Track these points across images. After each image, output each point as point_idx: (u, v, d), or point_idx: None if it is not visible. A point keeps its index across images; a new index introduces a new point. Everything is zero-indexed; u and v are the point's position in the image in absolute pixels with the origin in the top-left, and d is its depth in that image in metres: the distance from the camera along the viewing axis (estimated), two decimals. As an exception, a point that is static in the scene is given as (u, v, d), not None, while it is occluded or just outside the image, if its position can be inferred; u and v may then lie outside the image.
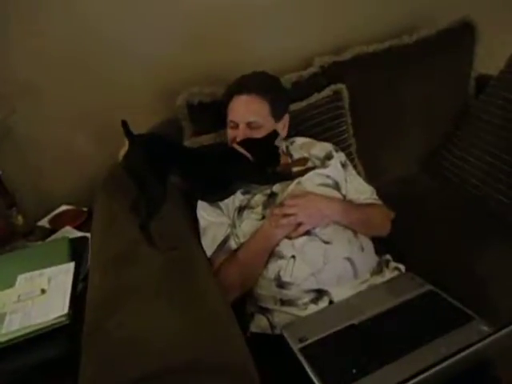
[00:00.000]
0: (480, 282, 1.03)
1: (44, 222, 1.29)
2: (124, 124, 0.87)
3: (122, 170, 1.02)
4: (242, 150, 1.01)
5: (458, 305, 0.85)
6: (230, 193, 1.05)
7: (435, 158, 1.49)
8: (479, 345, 0.50)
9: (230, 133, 1.11)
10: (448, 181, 1.43)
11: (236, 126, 1.08)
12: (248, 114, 1.06)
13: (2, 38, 1.14)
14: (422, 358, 0.69)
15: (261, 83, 1.10)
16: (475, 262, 1.09)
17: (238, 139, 1.06)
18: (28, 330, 0.83)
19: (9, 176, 1.19)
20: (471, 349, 0.49)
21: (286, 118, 1.15)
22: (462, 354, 0.49)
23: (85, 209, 1.34)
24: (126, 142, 0.89)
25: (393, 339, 0.78)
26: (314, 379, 0.72)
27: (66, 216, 1.31)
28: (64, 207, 1.36)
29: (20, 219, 1.18)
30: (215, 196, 1.05)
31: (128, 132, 0.88)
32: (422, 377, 0.47)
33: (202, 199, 1.07)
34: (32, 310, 0.87)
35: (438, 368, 0.47)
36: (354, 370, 0.72)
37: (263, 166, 1.02)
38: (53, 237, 1.20)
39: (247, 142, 1.03)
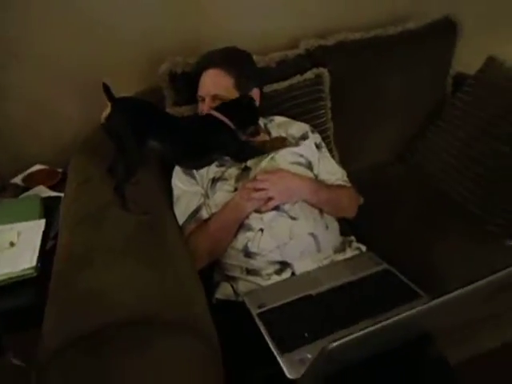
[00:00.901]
0: (435, 266, 1.10)
1: (17, 180, 1.28)
2: (105, 86, 0.88)
3: (102, 133, 1.04)
4: (219, 115, 1.03)
5: (410, 284, 0.91)
6: (208, 162, 1.07)
7: (408, 149, 1.55)
8: (413, 310, 0.55)
9: (200, 106, 1.14)
10: (418, 171, 1.50)
11: (203, 100, 1.11)
12: (212, 88, 1.10)
13: None
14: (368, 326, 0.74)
15: (226, 57, 1.13)
16: (433, 248, 1.16)
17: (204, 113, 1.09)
18: (-5, 279, 0.85)
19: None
20: (405, 313, 0.54)
21: (256, 92, 1.16)
22: (398, 316, 0.54)
23: (59, 170, 1.34)
24: (109, 105, 0.90)
25: (345, 310, 0.84)
26: (269, 342, 0.77)
27: (40, 175, 1.31)
28: (38, 166, 1.35)
29: (-7, 174, 1.17)
30: (192, 163, 1.07)
31: (110, 94, 0.89)
32: (358, 334, 0.52)
33: (179, 165, 1.09)
34: (0, 261, 0.88)
35: (373, 328, 0.52)
36: (307, 334, 0.77)
37: (244, 124, 1.05)
38: (25, 194, 1.20)
39: (224, 107, 1.05)
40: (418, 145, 1.54)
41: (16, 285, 0.86)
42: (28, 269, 0.87)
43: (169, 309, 0.72)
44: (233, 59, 1.14)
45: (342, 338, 0.50)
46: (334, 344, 0.50)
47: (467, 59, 1.51)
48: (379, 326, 0.52)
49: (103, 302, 0.71)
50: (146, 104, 0.98)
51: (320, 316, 0.83)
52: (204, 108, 1.11)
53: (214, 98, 1.10)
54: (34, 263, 0.88)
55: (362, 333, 0.51)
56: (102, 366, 0.68)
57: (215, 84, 1.10)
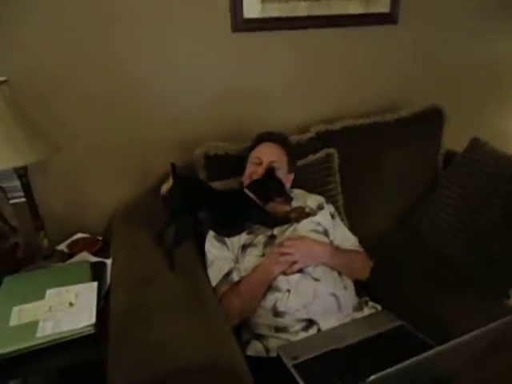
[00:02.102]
0: (442, 321, 1.21)
1: (63, 247, 1.42)
2: (173, 165, 1.07)
3: (142, 205, 1.21)
4: (250, 194, 1.21)
5: (423, 337, 1.03)
6: (241, 230, 1.23)
7: (408, 218, 1.73)
8: (425, 354, 0.68)
9: (251, 168, 1.32)
10: (418, 238, 1.66)
11: (260, 163, 1.30)
12: (272, 155, 1.31)
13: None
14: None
15: (284, 138, 1.39)
16: (440, 306, 1.27)
17: (254, 176, 1.27)
18: (59, 336, 0.96)
19: (39, 202, 1.35)
20: (417, 357, 0.67)
21: (293, 174, 1.39)
22: (426, 354, 0.67)
23: (99, 237, 1.49)
24: (170, 180, 1.08)
25: (369, 362, 0.94)
26: (306, 390, 0.87)
27: (83, 243, 1.45)
28: (80, 235, 1.50)
29: (45, 242, 1.32)
30: (229, 231, 1.23)
31: (175, 173, 1.07)
32: (391, 370, 0.64)
33: (217, 233, 1.24)
34: (62, 320, 1.00)
35: (390, 370, 0.65)
36: (339, 383, 0.88)
37: (270, 198, 1.23)
38: (71, 260, 1.33)
39: (253, 185, 1.24)
40: (416, 214, 1.71)
41: (77, 341, 0.97)
42: (88, 326, 0.98)
43: (219, 360, 0.84)
44: (288, 142, 1.41)
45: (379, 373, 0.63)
46: (371, 378, 0.63)
47: (455, 137, 1.75)
48: (408, 362, 0.65)
49: (164, 353, 0.83)
50: (198, 180, 1.17)
51: (347, 367, 0.93)
52: (258, 170, 1.29)
53: (270, 163, 1.28)
54: (92, 321, 1.00)
55: (393, 368, 0.64)
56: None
57: (275, 153, 1.31)
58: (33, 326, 0.97)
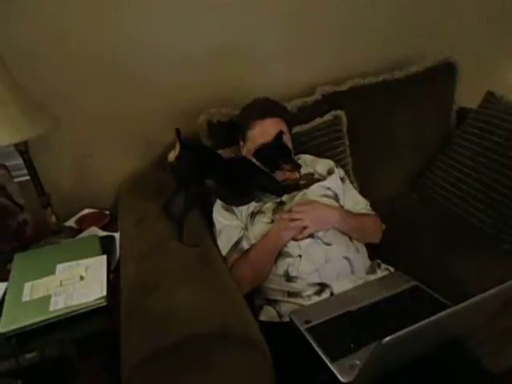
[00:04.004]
0: (457, 281, 1.19)
1: (71, 223, 1.42)
2: (177, 131, 1.04)
3: (147, 176, 1.19)
4: (257, 162, 1.18)
5: (438, 297, 1.01)
6: (250, 200, 1.21)
7: (421, 179, 1.68)
8: (440, 314, 0.66)
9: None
10: (432, 198, 1.61)
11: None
12: (272, 134, 1.21)
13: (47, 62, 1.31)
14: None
15: (277, 107, 1.30)
16: (455, 266, 1.25)
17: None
18: (72, 309, 0.96)
19: (43, 179, 1.33)
20: (432, 318, 0.65)
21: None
22: (439, 314, 0.65)
23: (107, 212, 1.48)
24: (177, 147, 1.05)
25: (383, 323, 0.93)
26: (320, 352, 0.86)
27: (91, 218, 1.44)
28: (88, 210, 1.49)
29: (53, 218, 1.31)
30: (238, 200, 1.21)
31: (180, 139, 1.04)
32: (407, 330, 0.62)
33: (226, 202, 1.22)
34: (74, 293, 1.00)
35: (405, 331, 0.63)
36: (353, 345, 0.87)
37: (281, 164, 1.19)
38: (81, 235, 1.33)
39: (260, 153, 1.19)
40: (429, 174, 1.67)
41: (89, 313, 0.97)
42: (99, 298, 0.98)
43: (234, 326, 0.84)
44: (284, 109, 1.33)
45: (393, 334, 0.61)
46: (388, 338, 0.61)
47: (469, 93, 1.67)
48: (425, 322, 0.63)
49: (176, 320, 0.83)
50: (205, 147, 1.13)
51: (361, 329, 0.92)
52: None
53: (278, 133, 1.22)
54: (104, 293, 0.99)
55: (410, 329, 0.62)
56: (180, 373, 0.78)
57: (276, 131, 1.21)
58: (45, 300, 0.98)
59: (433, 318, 0.65)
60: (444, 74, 1.66)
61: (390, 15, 1.71)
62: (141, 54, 1.41)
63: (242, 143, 1.32)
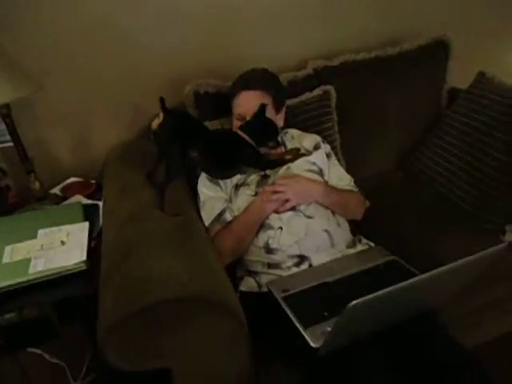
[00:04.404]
0: (437, 260, 1.20)
1: (56, 191, 1.41)
2: (161, 99, 1.02)
3: (133, 145, 1.18)
4: (244, 135, 1.16)
5: (416, 272, 1.02)
6: (234, 173, 1.20)
7: (409, 158, 1.68)
8: (408, 281, 0.67)
9: (236, 124, 1.23)
10: (419, 178, 1.62)
11: (243, 119, 1.21)
12: (254, 108, 1.18)
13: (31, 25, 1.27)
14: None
15: (265, 79, 1.25)
16: (436, 243, 1.27)
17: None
18: (51, 272, 0.97)
19: (28, 145, 1.32)
20: (400, 284, 0.67)
21: (283, 110, 1.31)
22: (407, 281, 0.66)
23: (92, 181, 1.47)
24: (161, 115, 1.04)
25: (358, 293, 0.94)
26: (293, 319, 0.88)
27: (76, 186, 1.44)
28: (73, 179, 1.49)
29: (37, 184, 1.31)
30: (221, 174, 1.21)
31: (164, 107, 1.03)
32: (375, 294, 0.64)
33: (210, 175, 1.22)
34: (54, 257, 1.01)
35: (371, 295, 0.64)
36: (326, 313, 0.89)
37: (263, 141, 1.17)
38: (66, 202, 1.33)
39: (247, 126, 1.18)
40: (417, 153, 1.67)
41: (69, 277, 0.98)
42: (79, 263, 0.99)
43: (209, 292, 0.85)
44: (271, 82, 1.26)
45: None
46: (354, 302, 0.62)
47: (461, 73, 1.66)
48: (393, 288, 0.64)
49: (152, 284, 0.83)
50: (191, 117, 1.12)
51: (336, 299, 0.94)
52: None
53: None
54: (84, 258, 1.00)
55: (377, 293, 0.64)
56: (152, 337, 0.79)
57: (257, 105, 1.17)
58: (25, 263, 0.99)
59: (401, 284, 0.66)
60: (437, 52, 1.65)
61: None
62: (133, 12, 1.37)
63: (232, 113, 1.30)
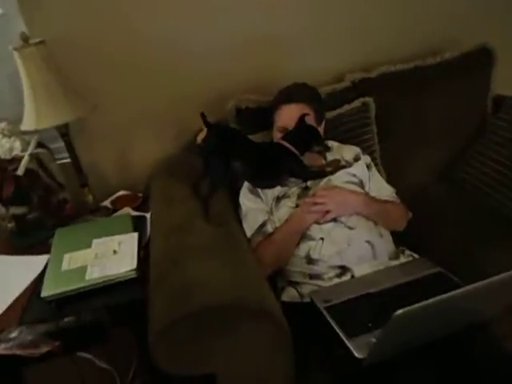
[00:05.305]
0: (483, 272, 1.15)
1: (107, 203, 1.50)
2: (202, 115, 1.08)
3: (178, 159, 1.24)
4: (287, 144, 1.19)
5: (462, 284, 0.99)
6: (277, 183, 1.23)
7: (452, 168, 1.63)
8: (454, 292, 0.66)
9: (278, 136, 1.27)
10: (463, 188, 1.58)
11: (285, 131, 1.24)
12: (296, 120, 1.21)
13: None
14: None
15: (306, 93, 1.29)
16: (482, 255, 1.23)
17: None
18: (105, 279, 1.03)
19: (82, 161, 1.42)
20: (446, 295, 0.65)
21: (324, 123, 1.34)
22: (455, 292, 0.65)
23: (140, 194, 1.55)
24: (204, 130, 1.10)
25: (402, 304, 0.93)
26: (337, 328, 0.89)
27: (125, 199, 1.52)
28: (122, 192, 1.57)
29: (90, 198, 1.40)
30: (265, 183, 1.24)
31: (206, 121, 1.09)
32: (421, 304, 0.63)
33: (254, 184, 1.25)
34: (107, 265, 1.07)
35: (418, 305, 0.63)
36: (370, 324, 0.88)
37: (307, 148, 1.20)
38: (116, 214, 1.41)
39: (290, 136, 1.21)
40: (461, 163, 1.62)
41: (121, 284, 1.04)
42: (130, 270, 1.05)
43: (251, 299, 0.87)
44: (313, 96, 1.30)
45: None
46: (400, 311, 0.62)
47: (506, 80, 1.61)
48: (439, 298, 0.64)
49: (198, 291, 0.87)
50: (233, 130, 1.17)
51: (381, 310, 0.93)
52: None
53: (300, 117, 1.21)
54: (134, 266, 1.06)
55: (424, 303, 0.63)
56: (200, 341, 0.83)
57: (298, 117, 1.20)
58: (82, 270, 1.06)
59: (448, 294, 0.65)
60: (480, 60, 1.60)
61: (425, 2, 1.67)
62: (175, 47, 1.47)
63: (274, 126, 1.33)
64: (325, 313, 0.94)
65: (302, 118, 1.20)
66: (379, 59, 1.62)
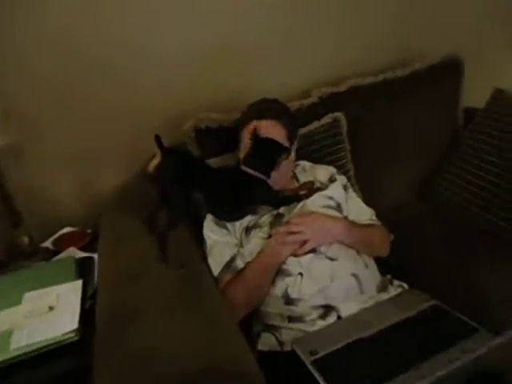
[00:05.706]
0: (478, 293, 1.07)
1: (48, 244, 1.29)
2: (157, 138, 0.92)
3: (130, 190, 1.06)
4: (250, 171, 1.04)
5: (462, 317, 0.88)
6: (245, 213, 1.08)
7: (428, 184, 1.56)
8: (481, 350, 0.52)
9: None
10: (441, 204, 1.50)
11: None
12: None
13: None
14: (431, 368, 0.71)
15: (278, 109, 1.15)
16: (474, 278, 1.13)
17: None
18: (36, 346, 0.82)
19: (16, 196, 1.20)
20: (473, 354, 0.52)
21: (297, 141, 1.20)
22: (466, 358, 0.52)
23: (89, 230, 1.34)
24: (158, 155, 0.93)
25: (401, 352, 0.80)
26: (328, 390, 0.73)
27: (70, 237, 1.31)
28: (67, 229, 1.36)
29: (25, 240, 1.18)
30: (231, 215, 1.08)
31: (161, 145, 0.92)
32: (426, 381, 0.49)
33: (217, 217, 1.09)
34: (40, 327, 0.86)
35: (441, 373, 0.49)
36: (367, 381, 0.73)
37: (272, 162, 1.04)
38: (58, 257, 1.20)
39: (247, 160, 1.05)
40: (438, 179, 1.55)
41: (58, 350, 0.84)
42: (69, 332, 0.85)
43: (222, 361, 0.70)
44: (284, 112, 1.17)
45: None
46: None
47: (473, 92, 1.57)
48: (449, 369, 0.50)
49: (157, 358, 0.69)
50: (191, 157, 1.01)
51: (376, 360, 0.79)
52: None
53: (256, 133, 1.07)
54: (75, 326, 0.86)
55: (434, 377, 0.49)
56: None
57: (272, 135, 1.07)
58: (6, 336, 0.84)
59: (466, 358, 0.52)
60: (449, 71, 1.56)
61: (389, 11, 1.61)
62: (127, 54, 1.29)
63: (239, 147, 1.19)
64: (312, 369, 0.78)
65: (253, 135, 1.05)
66: (347, 73, 1.53)
